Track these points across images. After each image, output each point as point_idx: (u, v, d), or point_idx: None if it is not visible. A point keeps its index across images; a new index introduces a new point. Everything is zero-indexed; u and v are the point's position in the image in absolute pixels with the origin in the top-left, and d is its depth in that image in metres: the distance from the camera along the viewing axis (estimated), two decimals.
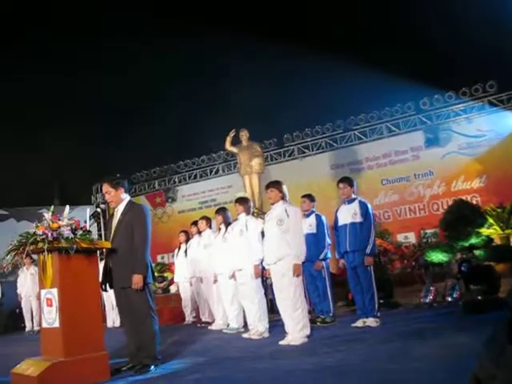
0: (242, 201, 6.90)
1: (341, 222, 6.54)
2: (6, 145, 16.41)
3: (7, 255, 4.40)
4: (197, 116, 15.33)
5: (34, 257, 4.94)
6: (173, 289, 11.38)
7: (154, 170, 15.72)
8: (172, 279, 11.23)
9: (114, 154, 16.06)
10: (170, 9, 15.28)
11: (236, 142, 11.78)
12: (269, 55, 14.05)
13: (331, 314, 7.13)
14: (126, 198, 5.14)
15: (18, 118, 16.32)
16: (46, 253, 4.36)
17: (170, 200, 15.29)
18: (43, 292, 4.70)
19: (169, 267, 13.21)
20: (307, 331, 5.65)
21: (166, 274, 12.53)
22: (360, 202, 6.45)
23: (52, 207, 4.54)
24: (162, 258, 14.73)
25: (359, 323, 6.25)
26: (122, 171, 14.94)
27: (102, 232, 14.82)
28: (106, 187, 5.10)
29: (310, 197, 7.46)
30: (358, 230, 6.31)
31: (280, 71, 14.54)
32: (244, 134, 11.63)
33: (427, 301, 7.38)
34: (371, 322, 6.15)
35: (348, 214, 6.44)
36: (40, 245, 4.33)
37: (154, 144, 16.13)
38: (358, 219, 6.34)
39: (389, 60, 12.60)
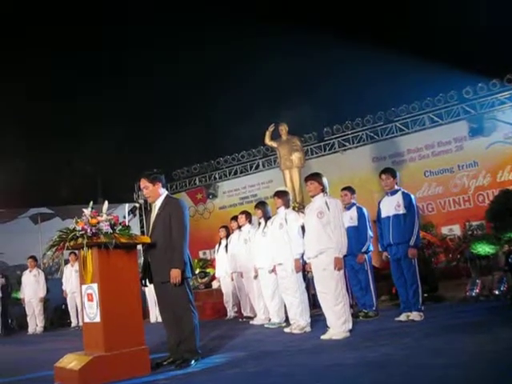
0: (280, 194, 6.82)
1: (384, 214, 6.41)
2: (51, 145, 16.78)
3: (48, 251, 4.46)
4: (236, 112, 15.32)
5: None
6: (215, 284, 11.40)
7: (194, 166, 15.79)
8: (214, 275, 11.26)
9: (156, 151, 16.22)
10: (210, 8, 15.30)
11: (276, 136, 11.71)
12: (307, 47, 13.94)
13: (374, 308, 7.01)
14: (164, 192, 5.14)
15: (62, 119, 16.64)
16: (85, 248, 4.39)
17: (210, 196, 15.34)
18: (84, 287, 4.74)
19: (210, 263, 13.26)
20: (349, 325, 5.56)
21: (207, 270, 12.57)
22: (403, 193, 6.31)
23: (91, 203, 4.57)
24: (204, 253, 14.79)
25: (403, 317, 6.12)
26: (163, 168, 15.08)
27: (139, 227, 14.94)
28: (143, 182, 5.12)
29: (350, 189, 7.35)
30: (402, 222, 6.17)
31: (319, 64, 14.39)
32: (283, 128, 11.54)
33: (473, 294, 7.16)
34: (415, 316, 6.01)
35: (391, 206, 6.31)
36: (79, 240, 4.37)
37: (194, 141, 16.21)
38: (402, 211, 6.20)
39: (430, 49, 12.33)
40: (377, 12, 14.30)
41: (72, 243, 4.42)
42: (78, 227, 4.36)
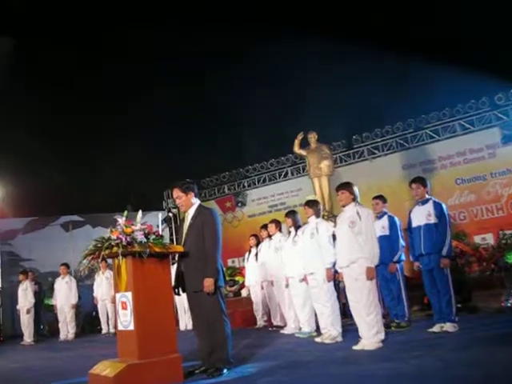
0: (311, 203, 6.83)
1: (414, 224, 6.35)
2: (81, 154, 17.01)
3: (83, 260, 4.53)
4: (265, 119, 15.34)
5: (110, 261, 5.05)
6: (244, 292, 11.42)
7: (223, 174, 15.86)
8: (243, 283, 11.27)
9: (185, 159, 16.31)
10: (248, 13, 15.33)
11: (305, 144, 11.71)
12: (335, 54, 13.91)
13: (406, 319, 6.95)
14: (196, 202, 5.19)
15: (92, 127, 16.86)
16: (120, 257, 4.45)
17: (239, 204, 15.38)
18: (118, 295, 4.79)
19: (239, 271, 13.27)
20: (382, 336, 5.52)
21: (236, 278, 12.59)
22: (434, 202, 6.24)
23: (126, 212, 4.63)
24: (233, 262, 14.81)
25: (436, 328, 6.04)
26: (191, 177, 15.17)
27: (174, 236, 15.05)
28: (176, 192, 5.17)
29: (381, 198, 7.31)
30: (433, 232, 6.10)
31: (348, 71, 14.33)
32: (312, 137, 11.53)
33: (509, 305, 7.06)
34: (449, 327, 5.92)
35: (422, 216, 6.25)
36: (114, 249, 4.43)
37: (223, 149, 16.27)
38: (433, 220, 6.13)
39: (460, 54, 12.19)
40: (405, 18, 14.21)
41: (107, 252, 4.48)
42: (113, 236, 4.42)
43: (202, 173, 16.16)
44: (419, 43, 13.05)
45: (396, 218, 7.15)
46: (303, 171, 13.84)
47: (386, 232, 7.00)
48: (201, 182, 16.04)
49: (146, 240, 4.50)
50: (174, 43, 15.90)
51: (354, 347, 5.47)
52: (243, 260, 11.47)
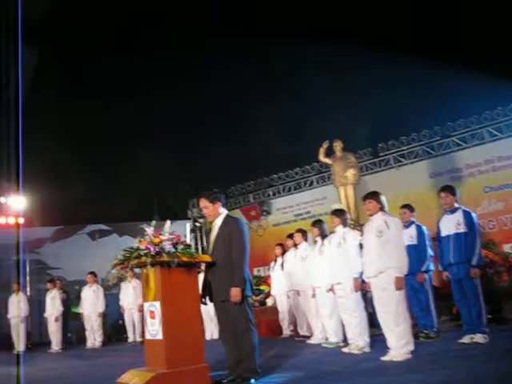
0: (338, 213, 6.80)
1: (443, 233, 6.28)
2: (107, 163, 17.18)
3: (112, 269, 4.57)
4: (290, 128, 15.33)
5: (136, 270, 5.08)
6: (269, 302, 11.39)
7: (248, 183, 15.87)
8: (268, 292, 11.25)
9: (210, 168, 16.37)
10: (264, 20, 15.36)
11: (330, 153, 11.67)
12: (360, 61, 13.86)
13: (435, 329, 6.86)
14: (224, 212, 5.21)
15: (119, 137, 17.02)
16: (148, 267, 4.47)
17: (264, 213, 15.35)
18: (146, 305, 4.83)
19: (265, 280, 13.23)
20: (411, 347, 5.46)
21: (262, 287, 12.56)
22: (464, 211, 6.17)
23: (154, 222, 4.66)
24: (258, 271, 14.79)
25: (466, 339, 5.95)
26: (216, 185, 15.21)
27: (199, 246, 15.08)
28: (203, 202, 5.19)
29: (409, 207, 7.24)
30: (463, 241, 6.03)
31: (372, 78, 14.27)
32: (338, 145, 11.49)
33: None
34: (479, 338, 5.83)
35: (451, 225, 6.18)
36: (143, 259, 4.46)
37: (247, 158, 16.29)
38: (462, 229, 6.06)
39: (487, 61, 12.05)
40: (430, 25, 14.11)
41: (136, 262, 4.52)
42: (142, 246, 4.45)
43: (227, 182, 16.20)
44: (446, 50, 12.96)
45: (424, 227, 7.08)
46: (328, 180, 13.77)
47: (414, 241, 6.93)
48: (226, 190, 16.07)
49: (174, 250, 4.53)
50: (200, 54, 16.01)
51: (383, 358, 5.41)
52: (268, 269, 11.46)
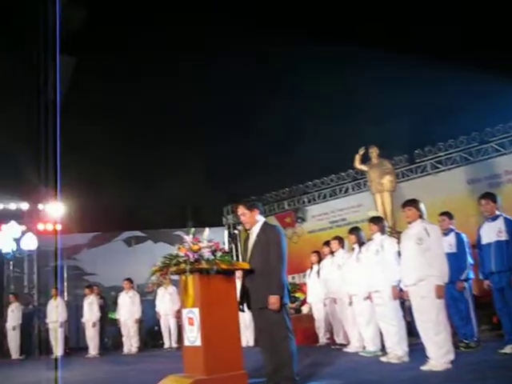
0: (376, 220, 6.76)
1: (484, 241, 6.18)
2: (141, 171, 17.38)
3: (152, 276, 4.62)
4: (324, 135, 15.29)
5: (172, 276, 5.12)
6: (304, 309, 11.33)
7: (283, 190, 15.86)
8: (304, 300, 11.19)
9: (244, 175, 16.40)
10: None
11: (365, 159, 11.59)
12: (397, 67, 13.74)
13: (475, 339, 6.73)
14: (261, 219, 5.22)
15: (153, 144, 17.22)
16: (187, 274, 4.51)
17: (299, 220, 15.30)
18: (185, 311, 4.86)
19: (300, 287, 13.17)
20: (451, 356, 5.36)
21: (297, 295, 12.50)
22: (505, 218, 6.06)
23: (192, 230, 4.70)
24: (293, 278, 14.73)
25: (508, 349, 5.83)
26: (251, 192, 15.28)
27: (238, 253, 15.08)
28: (241, 209, 5.22)
29: (448, 214, 7.14)
30: (504, 249, 5.92)
31: (409, 84, 14.13)
32: (373, 151, 11.40)
33: None
34: None
35: (492, 232, 6.07)
36: (182, 266, 4.50)
37: (282, 164, 16.29)
38: (504, 237, 5.95)
39: None
40: (468, 29, 13.92)
41: (175, 268, 4.56)
42: (181, 253, 4.49)
43: (261, 189, 16.22)
44: (483, 54, 12.76)
45: (463, 235, 6.97)
46: (364, 187, 13.67)
47: (454, 249, 6.81)
48: (261, 197, 16.07)
49: (213, 257, 4.55)
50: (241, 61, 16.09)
51: (422, 367, 5.33)
52: (303, 276, 11.41)
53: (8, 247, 13.96)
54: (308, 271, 9.81)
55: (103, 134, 16.40)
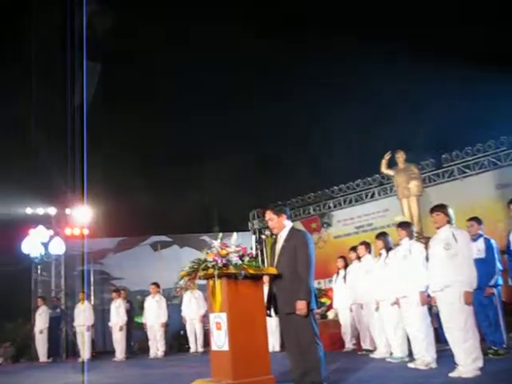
0: (404, 225, 6.72)
1: None
2: (169, 177, 17.49)
3: (180, 280, 4.66)
4: (350, 140, 15.24)
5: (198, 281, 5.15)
6: (330, 315, 11.28)
7: (308, 195, 15.83)
8: (330, 305, 11.15)
9: (270, 180, 16.43)
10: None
11: (392, 164, 11.53)
12: (424, 71, 13.65)
13: (504, 346, 6.64)
14: (289, 224, 5.24)
15: (179, 149, 17.34)
16: (215, 278, 4.54)
17: (325, 225, 15.26)
18: (212, 316, 4.88)
19: (325, 293, 13.12)
20: (480, 363, 5.30)
21: (322, 300, 12.46)
22: None
23: (220, 235, 4.73)
24: (319, 283, 14.68)
25: None
26: (277, 197, 15.31)
27: (260, 258, 15.09)
28: (268, 214, 5.24)
29: (477, 219, 7.06)
30: None
31: (436, 89, 14.03)
32: (400, 156, 11.33)
33: None
34: None
35: None
36: (210, 271, 4.53)
37: (308, 169, 16.27)
38: None
39: None
40: (497, 31, 13.76)
41: (203, 273, 4.59)
42: (209, 258, 4.52)
43: (287, 193, 16.21)
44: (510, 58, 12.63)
45: (493, 241, 6.88)
46: (390, 192, 13.58)
47: (482, 255, 6.74)
48: (286, 202, 16.07)
49: (240, 262, 4.58)
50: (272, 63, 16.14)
51: (451, 374, 5.28)
52: (329, 281, 11.37)
53: (36, 251, 14.17)
54: (334, 276, 9.78)
55: (131, 139, 16.60)
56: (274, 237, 5.30)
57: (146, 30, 15.36)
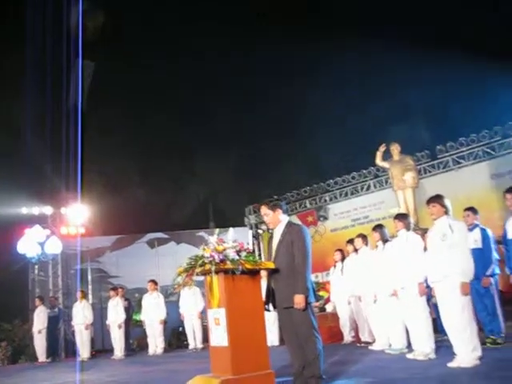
0: (401, 217, 6.72)
1: (510, 236, 6.11)
2: (165, 174, 17.51)
3: (178, 277, 4.65)
4: (345, 133, 15.25)
5: (196, 277, 5.15)
6: (328, 308, 11.30)
7: (304, 189, 15.82)
8: (328, 298, 11.16)
9: (265, 175, 16.43)
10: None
11: (387, 156, 11.54)
12: (418, 63, 13.66)
13: (502, 335, 6.66)
14: (285, 219, 5.22)
15: (176, 147, 17.33)
16: (213, 274, 4.53)
17: (321, 218, 15.27)
18: (210, 312, 4.88)
19: (323, 286, 13.14)
20: (479, 353, 5.31)
21: (320, 293, 12.47)
22: None
23: (217, 230, 4.72)
24: (316, 276, 14.70)
25: None
26: (273, 192, 15.30)
27: (257, 252, 15.10)
28: (263, 209, 5.22)
29: (473, 210, 7.06)
30: None
31: (430, 80, 14.05)
32: (395, 148, 11.35)
33: None
34: None
35: None
36: (207, 267, 4.52)
37: (303, 163, 16.28)
38: None
39: None
40: (492, 23, 13.78)
41: (200, 269, 4.58)
42: (206, 254, 4.51)
43: (283, 188, 16.21)
44: (505, 47, 12.64)
45: (489, 231, 6.89)
46: (386, 184, 13.61)
47: (479, 245, 6.74)
48: (282, 196, 16.07)
49: (237, 257, 4.57)
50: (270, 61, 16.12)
51: (449, 364, 5.29)
52: (326, 274, 11.38)
53: (33, 251, 14.12)
54: (331, 269, 9.80)
55: (126, 137, 16.55)
56: (270, 232, 5.29)
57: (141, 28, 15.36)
